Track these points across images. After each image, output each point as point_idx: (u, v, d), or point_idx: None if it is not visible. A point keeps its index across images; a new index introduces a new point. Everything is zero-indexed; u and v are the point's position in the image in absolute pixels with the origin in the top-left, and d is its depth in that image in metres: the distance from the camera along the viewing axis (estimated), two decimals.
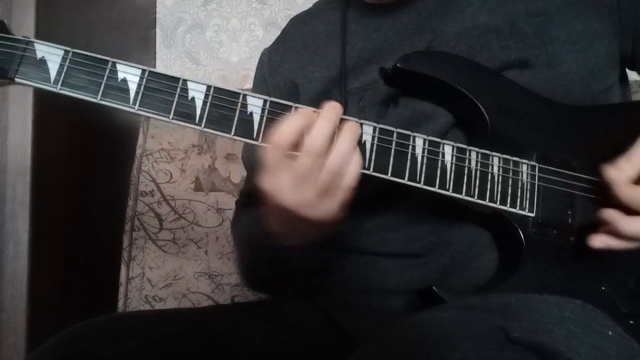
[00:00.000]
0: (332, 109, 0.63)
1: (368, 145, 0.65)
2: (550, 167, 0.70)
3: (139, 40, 1.61)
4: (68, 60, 0.62)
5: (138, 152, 1.29)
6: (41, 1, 1.08)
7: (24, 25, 1.07)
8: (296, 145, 0.61)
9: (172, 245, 1.26)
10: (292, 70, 0.87)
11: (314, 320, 0.82)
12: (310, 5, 0.95)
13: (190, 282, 1.25)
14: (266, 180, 0.63)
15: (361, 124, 0.66)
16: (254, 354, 0.73)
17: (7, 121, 1.08)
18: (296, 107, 0.65)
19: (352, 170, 0.62)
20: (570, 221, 0.69)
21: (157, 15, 1.67)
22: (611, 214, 0.65)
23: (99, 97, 0.62)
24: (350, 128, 0.63)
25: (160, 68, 1.65)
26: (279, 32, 0.96)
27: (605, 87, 0.76)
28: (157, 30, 1.67)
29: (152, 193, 1.27)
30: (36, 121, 1.08)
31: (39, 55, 0.62)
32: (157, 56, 1.66)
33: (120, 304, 1.24)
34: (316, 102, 0.83)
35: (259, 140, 0.64)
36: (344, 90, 0.80)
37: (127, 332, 0.67)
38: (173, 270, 1.25)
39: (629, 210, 0.65)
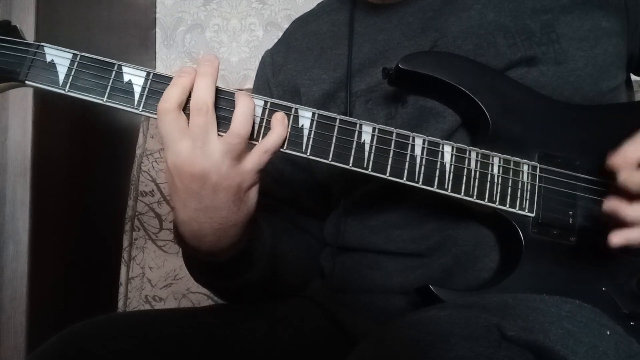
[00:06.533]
0: (208, 62, 0.62)
1: (367, 146, 0.66)
2: (552, 167, 0.70)
3: (139, 40, 1.61)
4: (76, 64, 0.64)
5: (138, 152, 1.29)
6: (41, 1, 1.08)
7: (24, 25, 1.07)
8: (183, 106, 0.61)
9: (172, 245, 1.26)
10: (297, 70, 0.87)
11: (314, 320, 0.82)
12: (310, 6, 0.95)
13: (190, 282, 1.24)
14: (167, 155, 0.62)
15: (360, 124, 0.66)
16: (254, 354, 0.73)
17: (7, 121, 1.08)
18: (296, 109, 0.65)
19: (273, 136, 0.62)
20: (571, 221, 0.69)
21: (157, 15, 1.67)
22: (612, 203, 0.63)
23: (105, 98, 0.64)
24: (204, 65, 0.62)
25: (160, 68, 1.65)
26: (279, 32, 0.96)
27: (613, 85, 0.76)
28: (157, 30, 1.67)
29: (152, 193, 1.27)
30: (36, 121, 1.08)
31: (48, 58, 0.64)
32: (157, 56, 1.66)
33: (120, 304, 1.24)
34: (321, 104, 0.83)
35: (259, 141, 0.65)
36: (350, 92, 0.80)
37: (127, 332, 0.67)
38: (173, 270, 1.25)
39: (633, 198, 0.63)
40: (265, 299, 0.82)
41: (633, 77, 0.86)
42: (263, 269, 0.76)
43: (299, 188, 0.89)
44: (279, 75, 0.89)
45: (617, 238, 0.63)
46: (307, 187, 0.88)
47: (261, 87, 0.91)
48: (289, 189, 0.88)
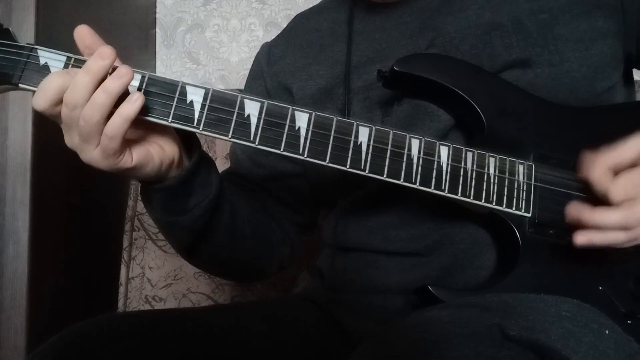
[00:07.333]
0: (97, 59, 0.59)
1: (364, 147, 0.66)
2: (547, 168, 0.70)
3: (139, 40, 1.61)
4: (70, 66, 0.62)
5: None
6: (41, 1, 1.08)
7: (24, 25, 1.07)
8: (59, 100, 0.60)
9: None
10: (296, 66, 0.87)
11: (314, 319, 0.82)
12: (310, 6, 0.96)
13: (190, 282, 1.25)
14: None
15: (357, 125, 0.66)
16: (254, 354, 0.73)
17: (7, 121, 1.08)
18: (293, 109, 0.65)
19: (115, 120, 0.59)
20: (567, 221, 0.69)
21: (157, 15, 1.67)
22: (574, 208, 0.64)
23: None
24: (113, 79, 0.59)
25: (160, 68, 1.65)
26: (278, 32, 0.96)
27: (608, 85, 0.77)
28: (157, 30, 1.67)
29: None
30: (36, 121, 1.08)
31: (42, 61, 0.62)
32: (157, 56, 1.66)
33: (120, 304, 1.24)
34: (318, 99, 0.83)
35: (256, 143, 0.64)
36: (348, 90, 0.80)
37: (127, 332, 0.67)
38: (173, 270, 1.25)
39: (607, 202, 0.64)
40: (242, 282, 0.79)
41: (635, 75, 0.86)
42: (199, 218, 0.72)
43: (278, 176, 0.88)
44: (274, 66, 0.89)
45: (581, 239, 0.64)
46: (287, 176, 0.88)
47: (256, 76, 0.92)
48: (265, 175, 0.88)
